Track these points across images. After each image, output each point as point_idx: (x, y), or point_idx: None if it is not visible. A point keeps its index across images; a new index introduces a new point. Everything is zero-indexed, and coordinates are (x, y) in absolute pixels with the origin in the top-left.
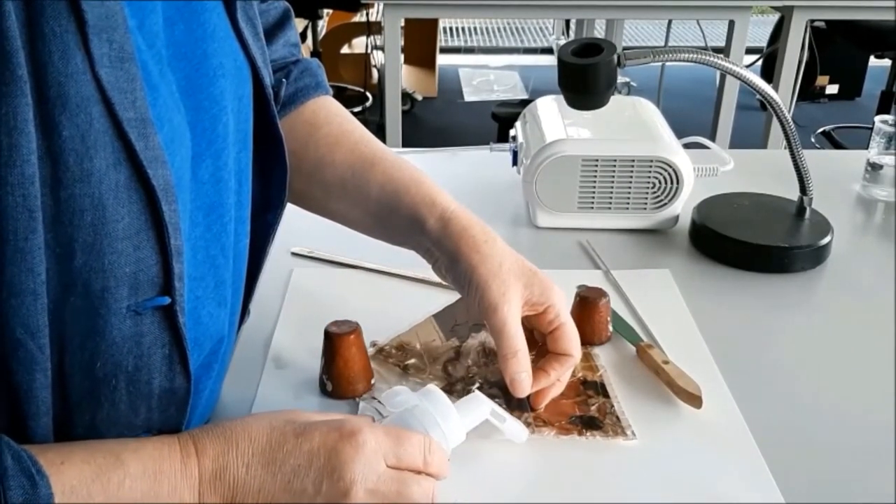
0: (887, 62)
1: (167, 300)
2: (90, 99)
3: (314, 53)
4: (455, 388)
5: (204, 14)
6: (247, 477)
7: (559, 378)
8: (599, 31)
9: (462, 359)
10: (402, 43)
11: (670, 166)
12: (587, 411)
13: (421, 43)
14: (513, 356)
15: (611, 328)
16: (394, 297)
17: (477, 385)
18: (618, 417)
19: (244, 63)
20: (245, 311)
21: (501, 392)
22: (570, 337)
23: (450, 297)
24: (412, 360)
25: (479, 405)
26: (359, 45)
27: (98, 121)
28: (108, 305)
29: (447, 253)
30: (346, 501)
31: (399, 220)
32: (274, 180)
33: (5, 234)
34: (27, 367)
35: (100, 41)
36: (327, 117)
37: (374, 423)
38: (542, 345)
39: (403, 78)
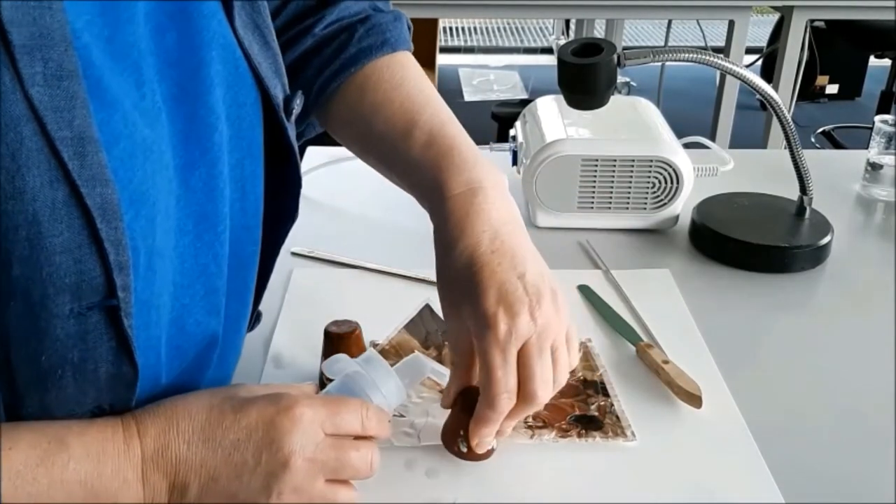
0: (887, 62)
1: (113, 302)
2: (21, 118)
3: None
4: None
5: (201, 21)
6: (188, 453)
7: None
8: (599, 31)
9: (446, 360)
10: None
11: (670, 166)
12: (587, 411)
13: (421, 43)
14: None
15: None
16: (394, 297)
17: None
18: (618, 417)
19: (247, 72)
20: (254, 316)
21: None
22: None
23: None
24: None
25: (420, 365)
26: None
27: (30, 139)
28: (50, 310)
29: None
30: (286, 471)
31: (413, 192)
32: (286, 191)
33: None
34: None
35: (31, 60)
36: (376, 84)
37: (311, 395)
38: None
39: None
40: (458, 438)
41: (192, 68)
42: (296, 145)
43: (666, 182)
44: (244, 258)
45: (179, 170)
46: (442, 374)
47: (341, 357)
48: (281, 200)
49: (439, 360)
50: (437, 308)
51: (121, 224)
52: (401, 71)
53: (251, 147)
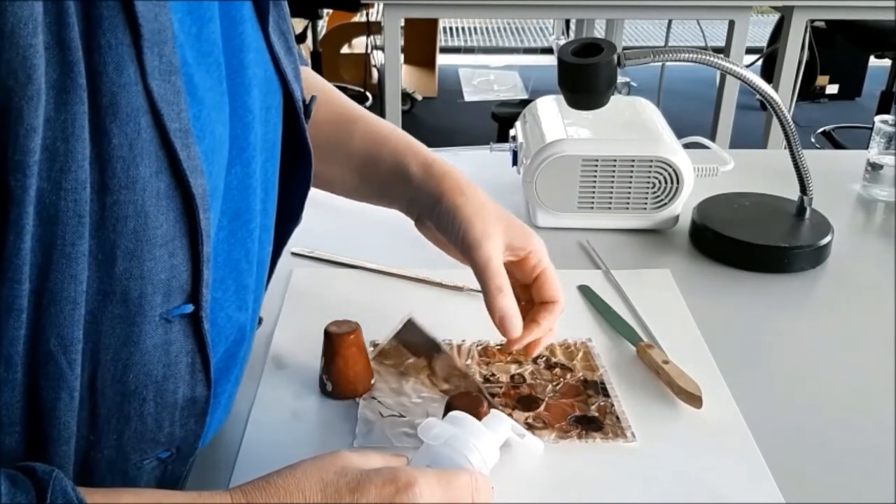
0: (887, 62)
1: (191, 308)
2: (140, 109)
3: (314, 53)
4: (456, 387)
5: (241, 25)
6: None
7: (550, 327)
8: (599, 31)
9: (438, 371)
10: (402, 43)
11: (670, 166)
12: (587, 411)
13: (421, 43)
14: (499, 292)
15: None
16: (394, 297)
17: (479, 378)
18: (618, 417)
19: (274, 75)
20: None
21: (499, 395)
22: (555, 282)
23: (451, 295)
24: (411, 360)
25: (502, 422)
26: (359, 45)
27: (145, 130)
28: (144, 313)
29: (430, 194)
30: None
31: (382, 170)
32: (295, 193)
33: (54, 238)
34: (54, 384)
35: (152, 54)
36: (306, 80)
37: (424, 469)
38: (524, 302)
39: (403, 78)
40: None
41: (234, 69)
42: (311, 148)
43: (666, 182)
44: (263, 257)
45: (224, 170)
46: (522, 432)
47: (434, 421)
48: (289, 202)
49: (432, 367)
50: (420, 321)
51: (210, 215)
52: (312, 72)
53: (273, 149)
